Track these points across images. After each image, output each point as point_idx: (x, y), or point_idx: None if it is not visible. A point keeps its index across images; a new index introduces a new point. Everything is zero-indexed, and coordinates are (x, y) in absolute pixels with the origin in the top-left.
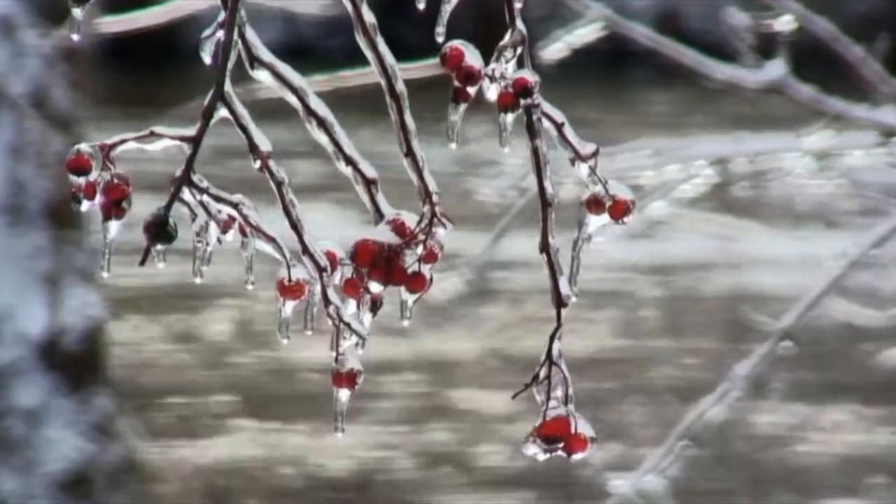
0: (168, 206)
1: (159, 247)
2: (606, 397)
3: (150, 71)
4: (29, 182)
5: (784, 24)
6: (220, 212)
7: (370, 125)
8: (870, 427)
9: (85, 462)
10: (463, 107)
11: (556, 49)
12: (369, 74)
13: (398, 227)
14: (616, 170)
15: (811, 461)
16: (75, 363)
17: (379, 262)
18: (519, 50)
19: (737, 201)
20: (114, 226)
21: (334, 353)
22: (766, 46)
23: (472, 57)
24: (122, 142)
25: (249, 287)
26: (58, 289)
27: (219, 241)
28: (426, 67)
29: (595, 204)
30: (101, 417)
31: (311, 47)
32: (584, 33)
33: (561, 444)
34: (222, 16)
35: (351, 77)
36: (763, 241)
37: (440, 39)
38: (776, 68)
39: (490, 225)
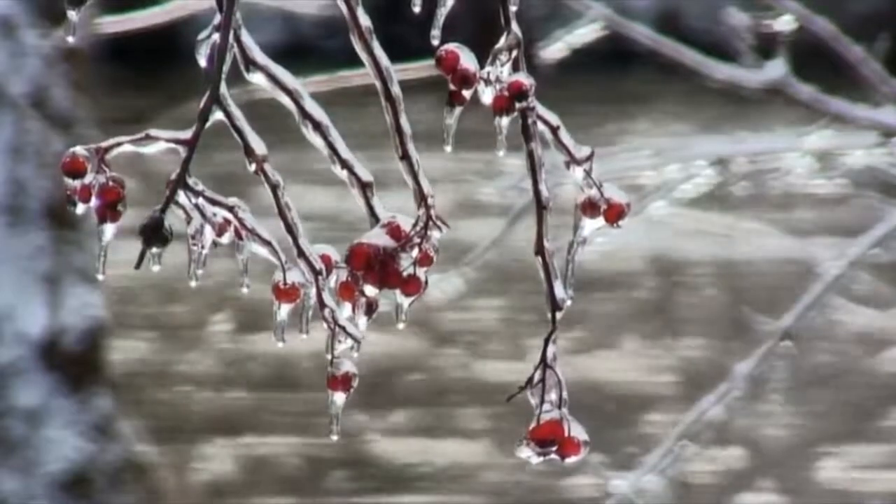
0: (163, 209)
1: (154, 249)
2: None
3: (150, 71)
4: (29, 182)
5: (784, 24)
6: (215, 215)
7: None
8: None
9: (85, 462)
10: (458, 110)
11: (556, 49)
12: (369, 75)
13: (393, 230)
14: (616, 170)
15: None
16: (75, 363)
17: (374, 266)
18: (514, 53)
19: (737, 201)
20: (109, 228)
21: (329, 357)
22: (766, 46)
23: (468, 60)
24: (118, 144)
25: (244, 290)
26: (58, 289)
27: (214, 244)
28: (423, 68)
29: (590, 207)
30: (101, 417)
31: (310, 47)
32: (584, 33)
33: (554, 448)
34: (218, 18)
35: (350, 77)
36: (762, 241)
37: (435, 42)
38: (776, 68)
39: None
